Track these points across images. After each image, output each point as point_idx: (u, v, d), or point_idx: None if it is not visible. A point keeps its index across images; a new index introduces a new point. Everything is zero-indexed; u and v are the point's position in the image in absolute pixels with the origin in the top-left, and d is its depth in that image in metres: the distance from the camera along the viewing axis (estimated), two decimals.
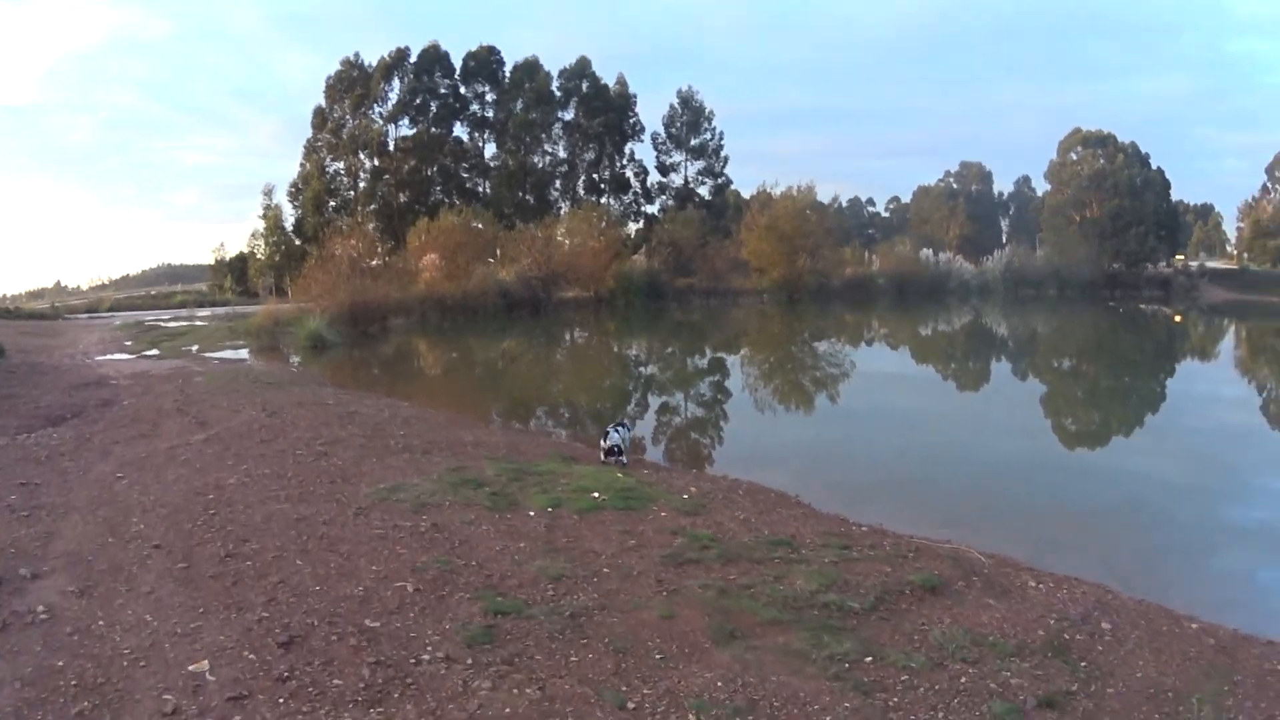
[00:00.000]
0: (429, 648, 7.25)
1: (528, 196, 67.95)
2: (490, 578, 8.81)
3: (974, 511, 13.73)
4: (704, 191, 71.97)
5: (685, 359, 30.75)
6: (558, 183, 71.04)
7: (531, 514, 10.89)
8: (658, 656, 7.33)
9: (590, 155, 70.77)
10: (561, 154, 70.94)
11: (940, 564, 10.16)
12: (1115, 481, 16.51)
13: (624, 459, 13.73)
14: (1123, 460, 18.87)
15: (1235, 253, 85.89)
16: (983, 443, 19.79)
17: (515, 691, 6.65)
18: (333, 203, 68.22)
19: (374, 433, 15.15)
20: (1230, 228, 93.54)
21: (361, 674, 6.79)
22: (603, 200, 68.35)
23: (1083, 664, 7.91)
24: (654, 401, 23.82)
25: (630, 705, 6.58)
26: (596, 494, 11.56)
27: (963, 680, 7.29)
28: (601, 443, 13.98)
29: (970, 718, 6.72)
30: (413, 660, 7.04)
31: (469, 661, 7.03)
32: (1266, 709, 7.34)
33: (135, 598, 8.23)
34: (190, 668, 6.81)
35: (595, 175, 71.27)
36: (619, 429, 14.23)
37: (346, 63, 67.71)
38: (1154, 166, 72.47)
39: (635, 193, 72.26)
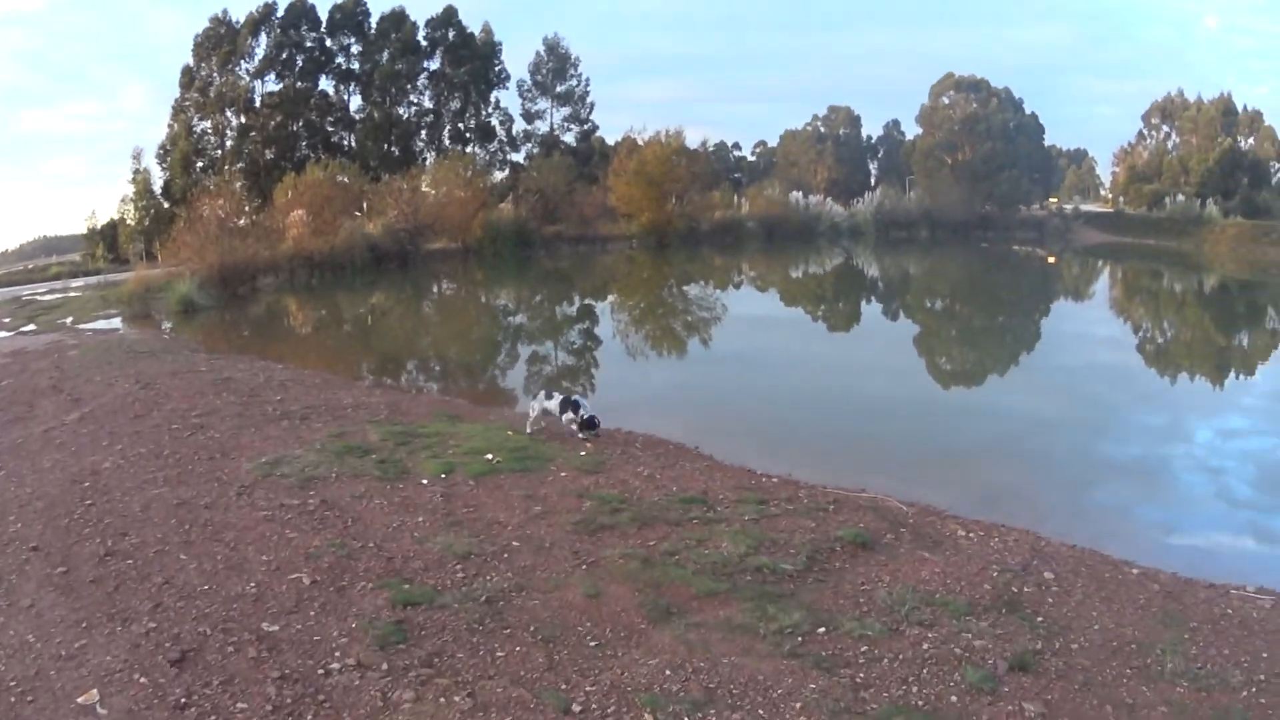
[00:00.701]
0: (337, 654, 6.89)
1: (393, 148, 70.99)
2: (392, 561, 8.53)
3: (871, 456, 14.37)
4: (570, 139, 75.68)
5: (555, 307, 31.76)
6: (423, 133, 74.42)
7: (425, 482, 10.78)
8: (592, 643, 7.11)
9: (456, 104, 74.29)
10: (427, 104, 74.43)
11: (863, 516, 10.34)
12: (996, 419, 17.71)
13: (597, 431, 13.25)
14: (1001, 399, 20.26)
15: (1109, 196, 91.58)
16: (865, 385, 20.65)
17: (443, 701, 6.35)
18: (200, 163, 70.47)
19: (250, 399, 15.20)
20: (1105, 172, 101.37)
21: (267, 693, 6.41)
22: (468, 149, 70.73)
23: (1039, 619, 8.03)
24: (526, 351, 24.20)
25: (575, 708, 6.32)
26: (490, 455, 11.59)
27: (925, 646, 7.29)
28: (566, 414, 13.27)
29: (945, 688, 6.71)
30: (321, 671, 6.65)
31: (384, 667, 6.69)
32: (1230, 655, 7.58)
33: (16, 614, 7.76)
34: (79, 699, 6.36)
35: (460, 125, 74.67)
36: (573, 397, 13.69)
37: (215, 20, 70.27)
38: (1028, 112, 79.28)
39: (501, 141, 75.57)
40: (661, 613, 7.65)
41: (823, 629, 7.52)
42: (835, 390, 19.92)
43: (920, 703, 6.58)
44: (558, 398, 13.39)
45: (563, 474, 11.17)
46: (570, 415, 13.10)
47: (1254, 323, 37.03)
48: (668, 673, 6.71)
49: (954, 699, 6.62)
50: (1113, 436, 17.10)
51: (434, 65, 74.62)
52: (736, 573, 8.54)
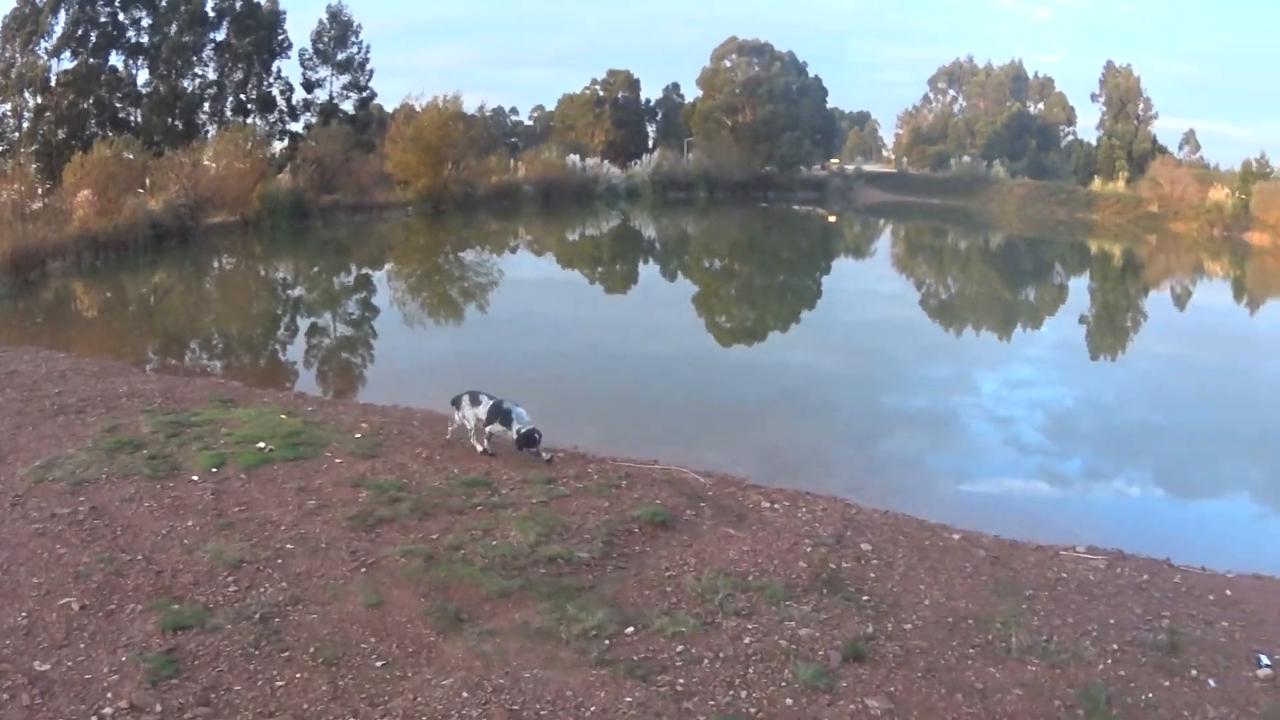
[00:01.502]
0: (109, 695, 6.05)
1: (177, 122, 70.77)
2: (161, 575, 7.74)
3: (658, 421, 14.28)
4: (349, 106, 76.69)
5: (333, 278, 31.53)
6: (206, 106, 74.24)
7: (195, 479, 10.06)
8: (379, 664, 6.50)
9: (239, 76, 74.73)
10: (212, 76, 74.57)
11: (659, 491, 9.93)
12: (782, 377, 18.12)
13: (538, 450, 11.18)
14: (785, 356, 20.83)
15: (892, 157, 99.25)
16: (646, 346, 20.86)
17: None
18: (2, 147, 68.65)
19: (31, 394, 14.33)
20: (888, 134, 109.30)
21: None
22: (249, 120, 71.33)
23: (865, 598, 7.65)
24: (304, 325, 23.46)
25: None
26: (262, 444, 11.16)
27: (747, 641, 6.81)
28: (496, 425, 11.28)
29: (777, 689, 6.23)
30: (95, 718, 5.83)
31: (158, 709, 5.90)
32: (1075, 625, 7.40)
33: None
34: None
35: (243, 96, 74.99)
36: (505, 403, 11.43)
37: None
38: (812, 75, 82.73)
39: (281, 111, 76.41)
40: (451, 620, 7.05)
41: (631, 628, 7.00)
42: (616, 353, 19.96)
43: (752, 709, 6.06)
44: (485, 402, 11.35)
45: (338, 460, 10.64)
46: (500, 428, 11.21)
47: (1040, 278, 39.60)
48: (465, 694, 6.07)
49: (789, 701, 6.14)
50: (905, 391, 17.60)
51: (221, 36, 74.56)
52: (529, 565, 8.01)
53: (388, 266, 34.12)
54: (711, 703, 6.09)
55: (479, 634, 6.82)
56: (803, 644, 6.83)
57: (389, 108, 76.03)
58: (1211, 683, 6.77)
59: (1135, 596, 8.32)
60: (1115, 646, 7.11)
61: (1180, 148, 78.22)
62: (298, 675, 6.29)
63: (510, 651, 6.58)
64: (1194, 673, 6.88)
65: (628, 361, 19.05)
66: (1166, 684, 6.67)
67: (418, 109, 58.25)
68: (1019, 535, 9.98)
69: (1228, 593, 8.66)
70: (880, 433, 14.85)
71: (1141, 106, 79.28)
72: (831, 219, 64.01)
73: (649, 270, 38.17)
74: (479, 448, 11.26)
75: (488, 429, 11.24)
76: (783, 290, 32.76)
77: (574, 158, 69.95)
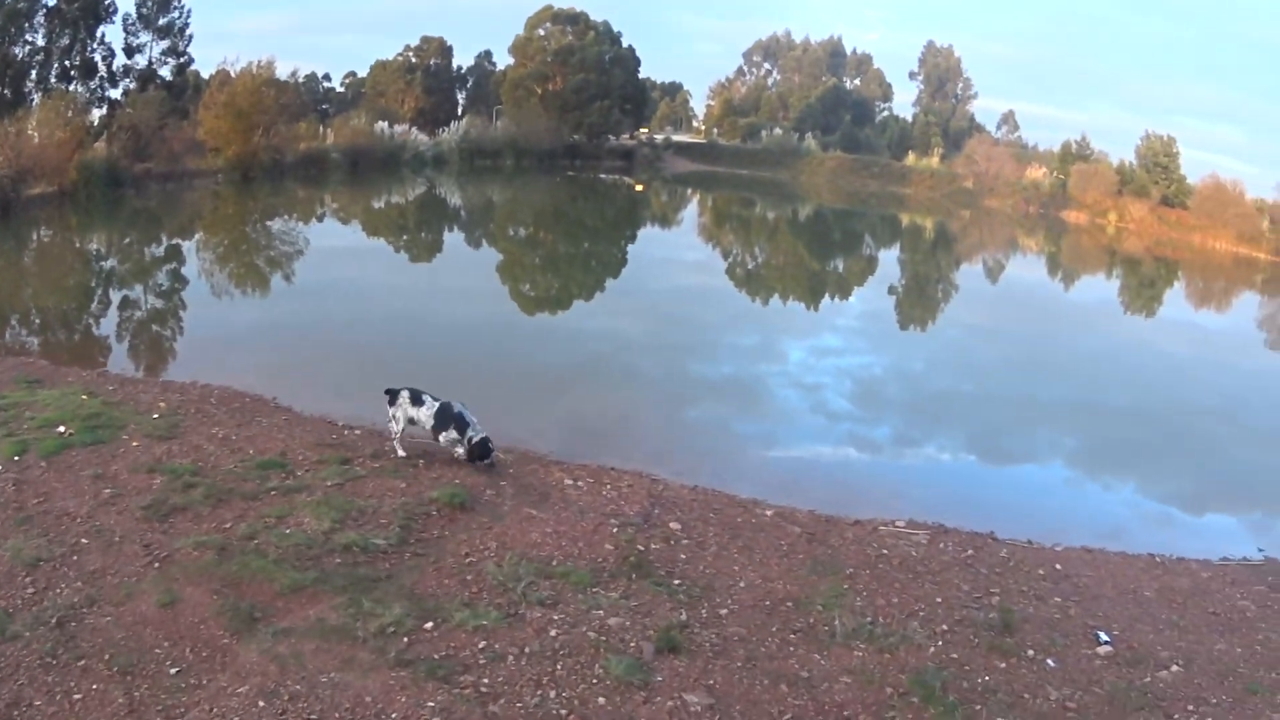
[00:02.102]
0: None
1: (5, 90, 66.09)
2: None
3: (459, 392, 13.38)
4: (166, 72, 73.58)
5: (143, 249, 30.13)
6: (33, 73, 69.77)
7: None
8: (173, 671, 6.00)
9: (65, 41, 70.60)
10: (41, 42, 70.15)
11: (459, 470, 9.61)
12: (585, 345, 18.02)
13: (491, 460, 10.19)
14: (587, 322, 20.81)
15: (703, 128, 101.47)
16: (447, 315, 20.38)
17: None
18: None
19: None
20: (700, 105, 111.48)
21: None
22: (72, 88, 67.48)
23: (676, 582, 7.34)
24: (116, 298, 21.91)
25: None
26: (63, 428, 10.53)
27: (554, 634, 6.43)
28: (446, 434, 10.17)
29: (588, 687, 5.86)
30: None
31: None
32: (900, 604, 7.23)
33: None
34: None
35: (68, 62, 70.90)
36: (454, 405, 10.36)
37: None
38: (626, 45, 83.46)
39: (101, 78, 72.68)
40: (244, 620, 6.55)
41: (431, 623, 6.56)
42: (419, 322, 19.42)
43: (563, 710, 5.67)
44: (430, 404, 10.27)
45: (135, 444, 9.99)
46: (452, 436, 10.12)
47: (849, 249, 40.54)
48: (261, 704, 5.62)
49: (601, 700, 5.76)
50: (713, 359, 17.56)
51: (53, 2, 70.70)
52: (323, 555, 7.52)
53: (197, 237, 32.94)
54: (519, 704, 5.71)
55: (273, 634, 6.37)
56: (613, 635, 6.47)
57: (206, 74, 74.50)
58: (1050, 663, 6.69)
59: (961, 573, 8.24)
60: (945, 627, 6.97)
61: (999, 127, 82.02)
62: (94, 687, 5.91)
63: (306, 653, 6.14)
64: (1031, 653, 6.79)
65: (430, 330, 18.55)
66: (1003, 665, 6.56)
67: (233, 75, 57.68)
68: (835, 509, 9.85)
69: (1058, 567, 8.70)
70: (688, 402, 14.67)
71: (961, 86, 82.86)
72: (639, 188, 64.28)
73: (454, 238, 37.70)
74: (399, 452, 10.24)
75: (438, 436, 10.15)
76: (588, 258, 32.68)
77: (383, 125, 69.09)
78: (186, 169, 53.70)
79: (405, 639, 6.33)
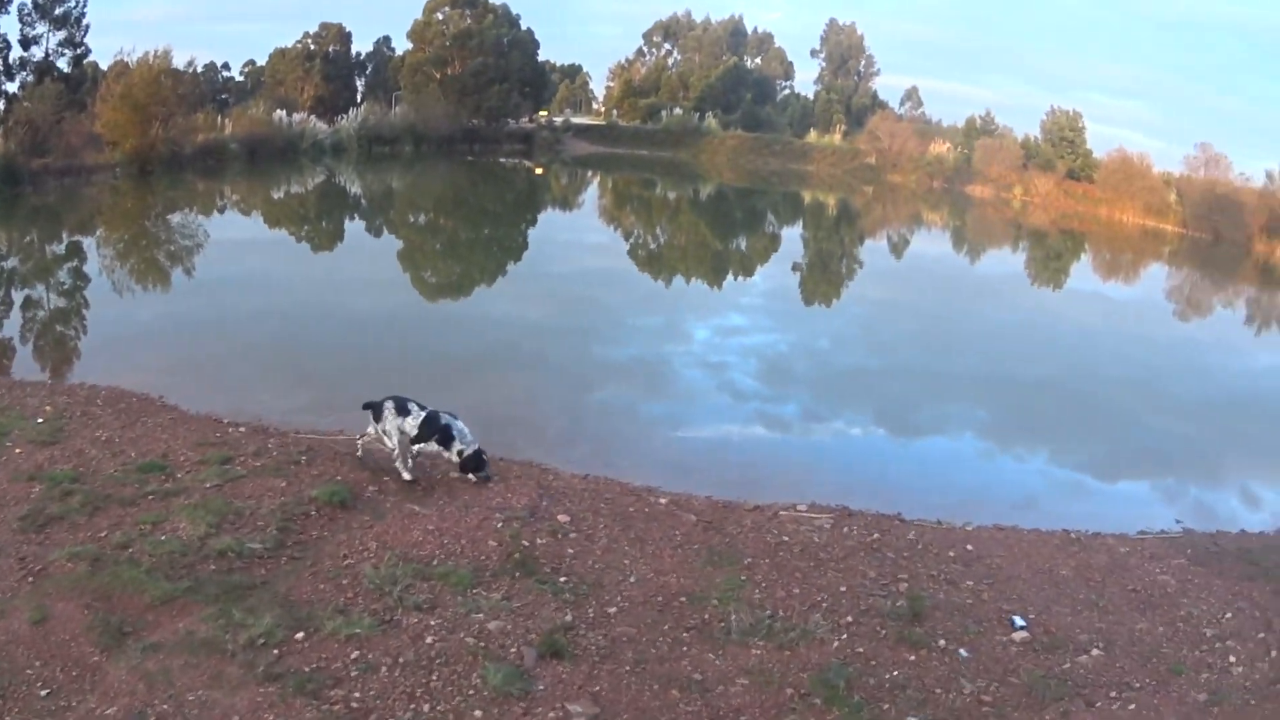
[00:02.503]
0: None
1: None
2: None
3: (353, 383, 12.77)
4: (64, 64, 72.62)
5: (45, 247, 28.91)
6: None
7: None
8: (44, 692, 5.60)
9: None
10: None
11: (341, 466, 9.16)
12: (484, 331, 17.73)
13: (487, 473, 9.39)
14: (489, 307, 20.47)
15: (603, 110, 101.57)
16: (346, 305, 19.77)
17: None
18: None
19: None
20: (599, 87, 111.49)
21: None
22: None
23: (562, 579, 6.97)
24: (13, 298, 20.67)
25: None
26: None
27: (430, 640, 6.01)
28: (432, 445, 9.30)
29: (464, 699, 5.46)
30: None
31: None
32: (802, 595, 6.89)
33: None
34: None
35: None
36: (443, 415, 9.47)
37: None
38: (525, 27, 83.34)
39: None
40: (114, 635, 6.10)
41: (302, 633, 6.14)
42: (318, 313, 18.92)
43: None
44: (416, 413, 9.34)
45: (17, 450, 9.48)
46: (436, 447, 9.29)
47: (751, 228, 40.46)
48: None
49: (478, 713, 5.37)
50: (613, 342, 17.31)
51: None
52: (198, 563, 7.07)
53: (97, 233, 31.85)
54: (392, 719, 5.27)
55: (142, 650, 5.92)
56: (493, 640, 6.07)
57: (105, 65, 73.99)
58: (963, 652, 6.39)
59: (867, 559, 7.93)
60: (850, 619, 6.64)
61: (902, 104, 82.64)
62: None
63: (175, 669, 5.71)
64: (942, 642, 6.49)
65: (330, 321, 18.07)
66: (912, 658, 6.25)
67: (131, 65, 55.02)
68: (735, 494, 9.55)
69: (969, 548, 8.44)
70: (591, 387, 14.39)
71: (864, 63, 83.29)
72: (538, 171, 64.11)
73: (355, 227, 37.29)
74: (405, 475, 9.23)
75: (416, 447, 9.26)
76: (489, 243, 32.37)
77: (281, 113, 67.88)
78: (85, 164, 52.57)
79: (276, 651, 5.92)
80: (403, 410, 9.24)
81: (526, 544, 7.51)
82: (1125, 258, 40.63)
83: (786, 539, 8.21)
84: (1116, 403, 15.83)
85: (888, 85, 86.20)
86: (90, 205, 39.03)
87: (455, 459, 9.15)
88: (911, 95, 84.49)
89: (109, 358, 14.34)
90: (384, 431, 9.25)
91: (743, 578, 7.27)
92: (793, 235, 39.39)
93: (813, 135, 74.00)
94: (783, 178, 62.87)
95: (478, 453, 9.15)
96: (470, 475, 9.14)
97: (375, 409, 9.36)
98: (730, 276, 28.07)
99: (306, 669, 5.69)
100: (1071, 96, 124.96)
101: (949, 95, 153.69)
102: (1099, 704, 5.97)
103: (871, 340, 19.62)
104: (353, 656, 5.83)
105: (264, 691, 5.45)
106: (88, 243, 28.61)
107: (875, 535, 8.48)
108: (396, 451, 9.24)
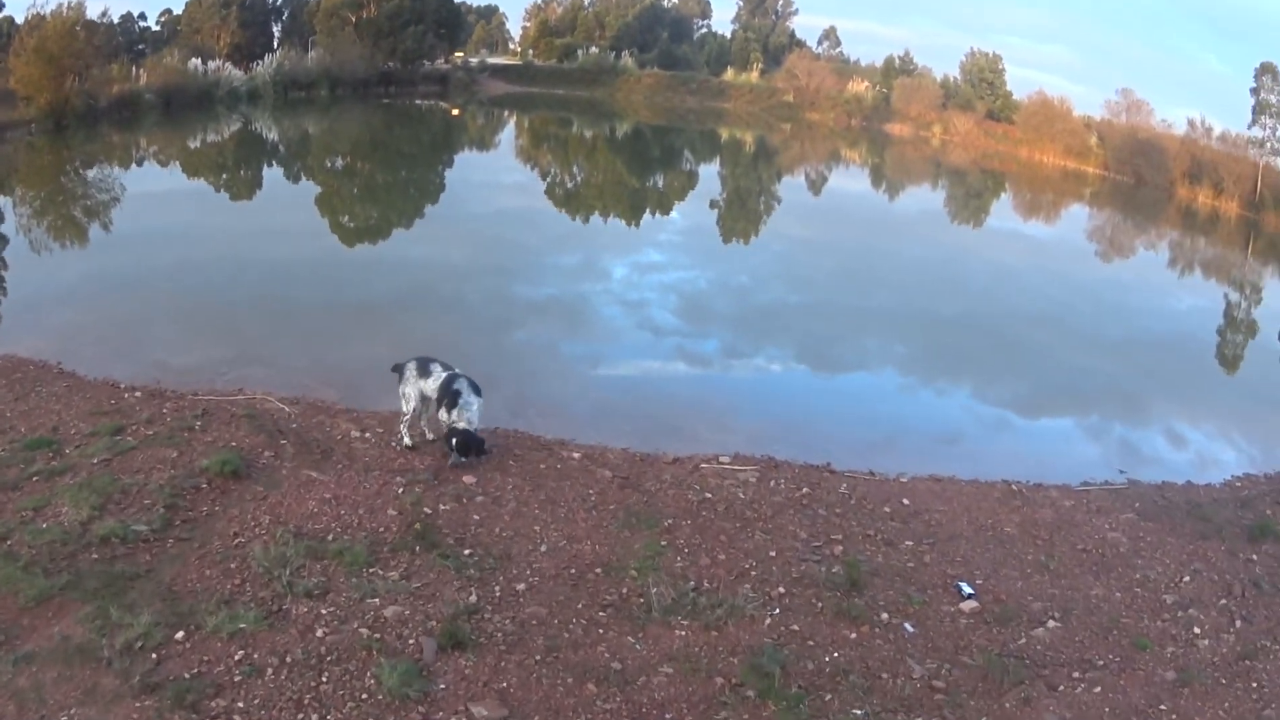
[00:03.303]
0: None
1: None
2: None
3: (258, 335, 12.54)
4: None
5: None
6: None
7: None
8: None
9: None
10: None
11: (236, 430, 8.26)
12: (401, 274, 17.01)
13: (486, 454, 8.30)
14: (407, 250, 19.76)
15: (519, 50, 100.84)
16: (261, 252, 19.08)
17: None
18: None
19: None
20: (516, 27, 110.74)
21: None
22: None
23: (467, 551, 6.29)
24: None
25: None
26: None
27: (320, 633, 5.30)
28: (448, 416, 8.20)
29: (356, 706, 4.80)
30: None
31: None
32: (728, 563, 6.32)
33: None
34: None
35: None
36: (458, 378, 8.38)
37: None
38: None
39: None
40: None
41: (183, 632, 5.35)
42: (235, 263, 17.86)
43: None
44: (438, 374, 8.42)
45: None
46: (445, 416, 8.23)
47: (668, 165, 39.72)
48: None
49: None
50: (530, 282, 16.69)
51: None
52: (79, 551, 6.20)
53: (15, 191, 29.45)
54: None
55: (14, 662, 5.13)
56: (389, 630, 5.37)
57: (19, 19, 71.26)
58: (909, 627, 5.83)
59: (797, 517, 7.33)
60: (781, 590, 6.04)
61: (820, 43, 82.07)
62: None
63: (47, 684, 4.95)
64: (885, 615, 5.92)
65: (248, 269, 17.13)
66: (853, 636, 5.66)
67: (46, 18, 51.71)
68: (653, 444, 8.95)
69: (905, 501, 7.88)
70: (502, 329, 13.69)
71: (781, 3, 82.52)
72: (455, 112, 62.83)
73: (272, 174, 35.99)
74: (405, 439, 8.43)
75: (440, 410, 8.28)
76: (406, 186, 31.73)
77: (196, 62, 65.74)
78: None
79: (154, 655, 5.16)
80: (425, 372, 8.44)
81: (429, 511, 6.83)
82: (1046, 198, 40.46)
83: (709, 495, 7.59)
84: (1041, 342, 15.61)
85: (805, 25, 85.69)
86: (4, 163, 37.03)
87: (453, 440, 8.01)
88: (830, 35, 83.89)
89: (9, 323, 13.32)
90: (403, 395, 8.51)
91: (663, 543, 6.64)
92: (710, 173, 38.67)
93: (730, 74, 73.30)
94: (700, 116, 62.18)
95: (468, 436, 7.95)
96: (456, 458, 7.99)
97: (399, 369, 8.63)
98: (648, 214, 27.37)
99: (187, 675, 4.98)
100: (990, 40, 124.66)
101: (867, 35, 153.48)
102: (1061, 687, 5.45)
103: (791, 277, 19.11)
104: (236, 657, 5.11)
105: (140, 706, 4.76)
106: (4, 201, 27.16)
107: (804, 490, 7.89)
108: (408, 417, 8.49)
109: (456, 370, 8.36)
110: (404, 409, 8.48)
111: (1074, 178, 46.71)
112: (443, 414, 8.19)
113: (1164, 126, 50.27)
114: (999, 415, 11.93)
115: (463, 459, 7.93)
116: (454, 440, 7.89)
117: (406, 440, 8.38)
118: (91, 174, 33.12)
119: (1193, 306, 21.92)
